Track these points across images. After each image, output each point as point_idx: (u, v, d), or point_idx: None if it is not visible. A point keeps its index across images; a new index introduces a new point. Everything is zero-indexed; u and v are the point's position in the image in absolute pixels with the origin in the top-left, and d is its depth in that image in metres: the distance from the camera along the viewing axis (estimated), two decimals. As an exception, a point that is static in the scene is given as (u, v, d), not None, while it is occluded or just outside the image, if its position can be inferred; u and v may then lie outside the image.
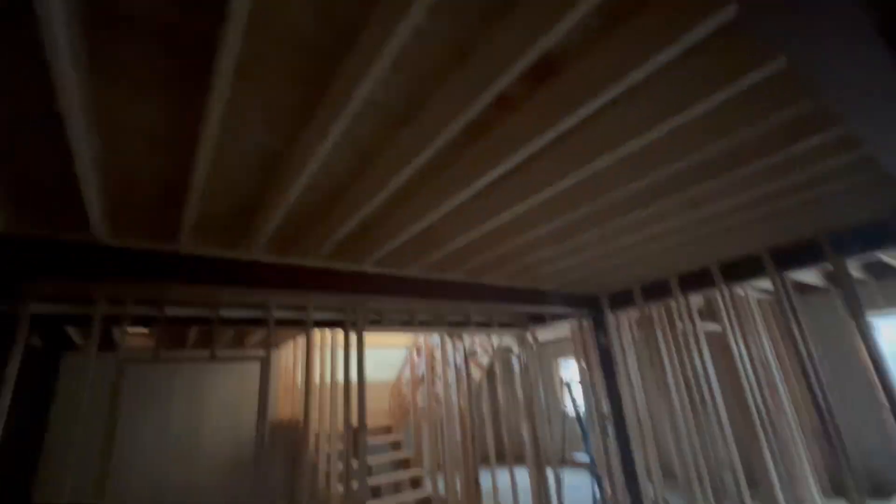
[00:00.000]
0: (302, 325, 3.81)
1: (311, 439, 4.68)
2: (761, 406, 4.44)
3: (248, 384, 5.97)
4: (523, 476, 5.46)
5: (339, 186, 2.16)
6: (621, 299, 4.37)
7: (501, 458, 7.41)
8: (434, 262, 3.33)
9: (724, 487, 3.36)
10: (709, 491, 3.62)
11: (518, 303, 3.92)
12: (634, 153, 2.00)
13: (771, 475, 4.10)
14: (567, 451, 4.97)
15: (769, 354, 4.18)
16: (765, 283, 4.82)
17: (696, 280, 3.78)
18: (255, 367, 6.05)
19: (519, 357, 5.25)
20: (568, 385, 5.18)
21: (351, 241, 2.80)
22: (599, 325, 4.52)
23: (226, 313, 3.48)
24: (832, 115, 1.74)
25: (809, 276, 4.88)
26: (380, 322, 4.23)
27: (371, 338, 6.08)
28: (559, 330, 6.62)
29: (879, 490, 4.81)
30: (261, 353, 6.04)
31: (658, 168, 2.03)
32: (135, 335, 5.33)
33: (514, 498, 5.21)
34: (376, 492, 4.48)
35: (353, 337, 3.98)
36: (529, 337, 5.36)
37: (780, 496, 4.07)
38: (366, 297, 3.26)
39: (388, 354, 7.20)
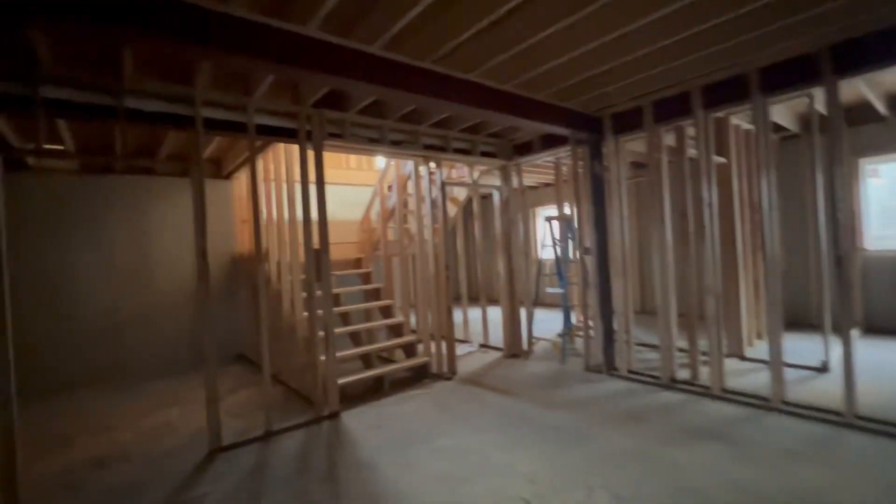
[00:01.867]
0: (243, 131, 3.06)
1: (273, 268, 4.34)
2: (747, 240, 4.29)
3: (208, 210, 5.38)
4: (495, 314, 5.52)
5: None
6: (627, 121, 3.74)
7: (474, 299, 7.62)
8: (441, 55, 2.55)
9: (704, 313, 3.30)
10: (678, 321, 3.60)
11: (514, 113, 3.24)
12: None
13: (741, 303, 4.14)
14: (540, 291, 4.91)
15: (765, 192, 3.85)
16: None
17: (724, 91, 3.14)
18: (212, 192, 5.40)
19: (500, 191, 4.78)
20: (549, 220, 4.86)
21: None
22: (596, 153, 3.97)
23: (133, 103, 2.66)
24: None
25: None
26: (341, 136, 3.51)
27: (336, 174, 5.38)
28: (538, 174, 6.11)
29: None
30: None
31: None
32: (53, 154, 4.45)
33: (484, 328, 5.31)
34: (345, 318, 4.36)
35: (311, 154, 3.31)
36: (513, 170, 4.82)
37: (744, 324, 4.17)
38: (358, 82, 2.50)
39: (354, 192, 6.64)
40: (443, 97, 2.84)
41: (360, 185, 6.77)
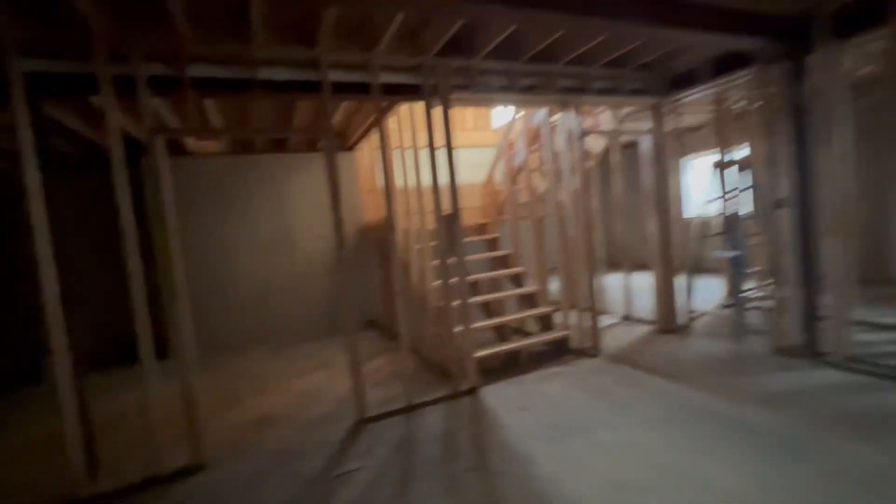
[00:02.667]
0: (366, 92, 2.86)
1: (401, 237, 4.25)
2: None
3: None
4: (638, 281, 4.81)
5: None
6: (856, 16, 2.68)
7: (613, 264, 6.78)
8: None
9: None
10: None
11: (686, 26, 2.50)
12: None
13: None
14: (702, 254, 4.06)
15: None
16: None
17: None
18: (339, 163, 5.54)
19: (651, 135, 3.98)
20: (720, 166, 3.92)
21: None
22: (799, 72, 2.97)
23: (265, 74, 2.60)
24: None
25: None
26: (467, 87, 3.12)
27: (454, 136, 5.00)
28: (693, 114, 5.00)
29: None
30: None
31: None
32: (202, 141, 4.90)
33: (626, 298, 4.66)
34: (474, 288, 4.13)
35: (436, 111, 3.00)
36: (667, 109, 3.96)
37: None
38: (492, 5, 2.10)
39: (473, 155, 6.29)
40: (596, 12, 2.25)
41: (479, 147, 6.39)
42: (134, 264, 2.27)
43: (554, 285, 4.63)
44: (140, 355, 2.29)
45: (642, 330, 4.21)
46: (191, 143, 4.78)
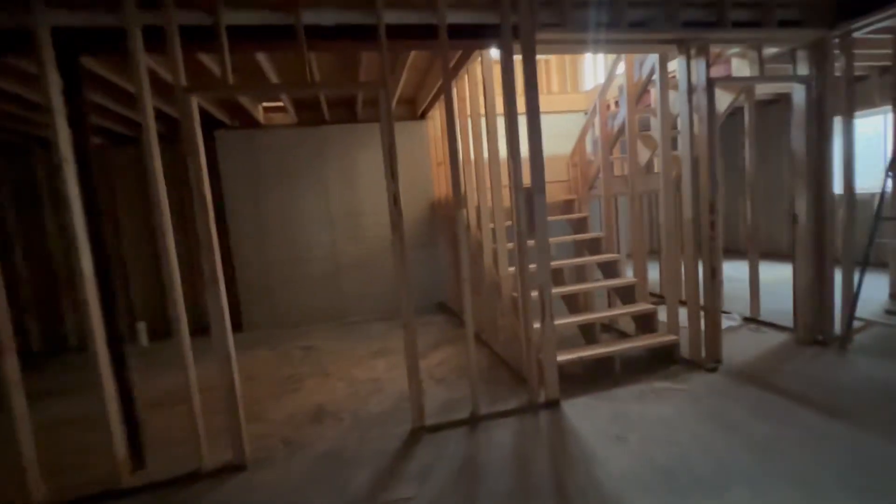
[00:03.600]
0: (432, 37, 2.33)
1: (472, 215, 3.74)
2: None
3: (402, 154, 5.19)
4: (771, 273, 3.82)
5: None
6: None
7: (732, 252, 5.61)
8: None
9: None
10: None
11: None
12: None
13: None
14: (870, 244, 3.01)
15: None
16: None
17: None
18: (405, 134, 5.15)
19: (807, 84, 2.97)
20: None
21: None
22: None
23: (310, 18, 2.17)
24: None
25: None
26: (559, 25, 2.46)
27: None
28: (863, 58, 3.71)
29: None
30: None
31: None
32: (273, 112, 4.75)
33: (753, 295, 3.73)
34: (557, 276, 3.51)
35: (517, 56, 2.39)
36: (837, 47, 2.92)
37: None
38: None
39: (559, 121, 5.51)
40: None
41: (565, 112, 5.59)
42: (167, 239, 2.02)
43: (653, 275, 3.89)
44: (178, 336, 2.06)
45: (776, 338, 3.31)
46: (260, 113, 4.64)
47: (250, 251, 4.90)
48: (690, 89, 2.78)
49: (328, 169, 5.03)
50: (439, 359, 3.50)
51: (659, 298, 4.42)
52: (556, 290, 3.30)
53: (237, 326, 4.79)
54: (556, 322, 2.99)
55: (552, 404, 2.55)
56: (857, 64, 3.34)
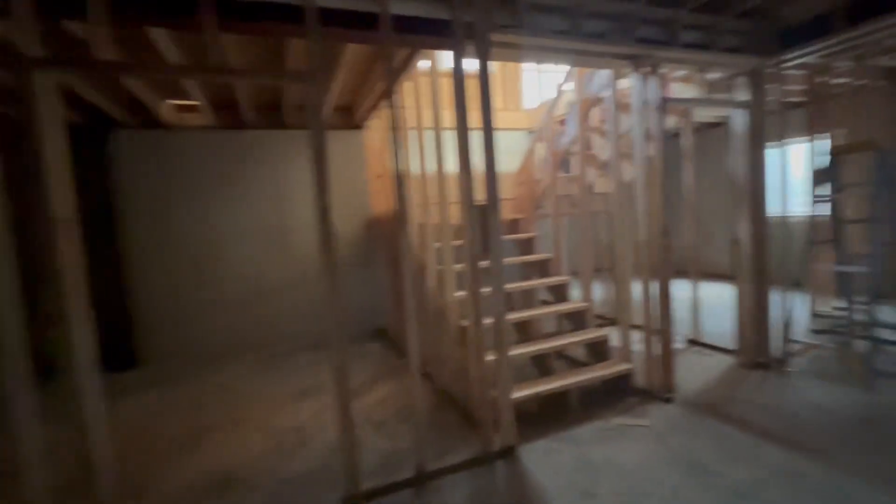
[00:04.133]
0: (372, 27, 1.99)
1: (415, 233, 3.40)
2: None
3: (337, 165, 4.74)
4: (710, 292, 3.85)
5: None
6: None
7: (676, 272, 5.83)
8: None
9: None
10: None
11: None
12: None
13: None
14: (803, 266, 3.11)
15: None
16: None
17: None
18: (340, 144, 4.73)
19: (747, 110, 3.02)
20: (838, 150, 2.97)
21: None
22: None
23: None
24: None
25: None
26: (515, 28, 2.24)
27: (479, 116, 4.15)
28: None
29: None
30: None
31: None
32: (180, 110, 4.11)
33: (694, 317, 3.74)
34: (508, 303, 3.26)
35: (472, 61, 2.13)
36: (770, 76, 3.01)
37: None
38: None
39: (501, 139, 5.40)
40: None
41: (507, 130, 5.50)
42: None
43: (595, 294, 3.81)
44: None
45: (721, 362, 3.29)
46: (166, 111, 3.99)
47: (152, 271, 4.14)
48: (645, 108, 2.68)
49: (251, 179, 4.45)
50: (378, 397, 3.07)
51: (606, 321, 4.35)
52: (508, 318, 3.03)
53: (129, 363, 4.00)
54: (512, 352, 2.71)
55: (508, 452, 2.23)
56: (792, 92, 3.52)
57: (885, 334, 3.13)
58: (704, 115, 5.39)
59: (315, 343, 4.52)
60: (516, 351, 2.79)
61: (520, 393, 2.52)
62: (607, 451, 2.18)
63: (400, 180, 2.13)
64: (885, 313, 2.74)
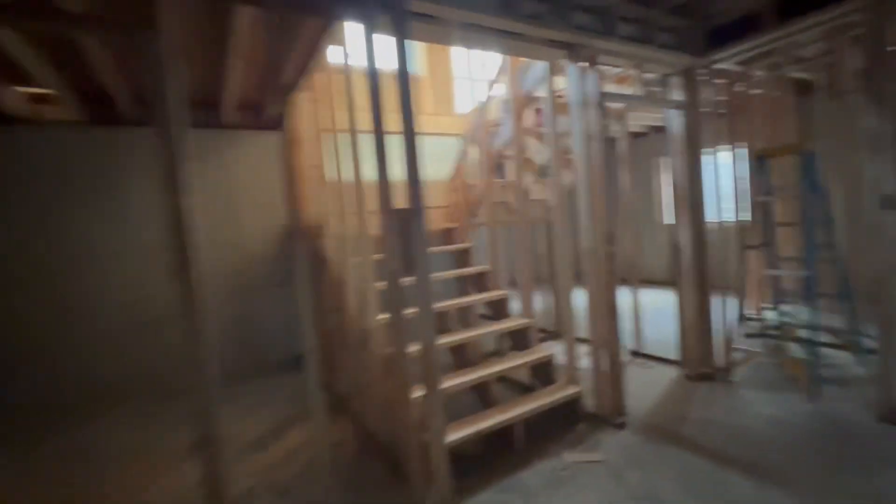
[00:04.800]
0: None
1: (332, 246, 2.91)
2: None
3: (247, 170, 4.12)
4: (649, 300, 3.73)
5: None
6: None
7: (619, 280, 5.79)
8: None
9: None
10: None
11: None
12: None
13: None
14: (742, 272, 3.06)
15: None
16: None
17: None
18: (249, 146, 4.12)
19: (683, 112, 2.92)
20: (765, 153, 2.94)
21: None
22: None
23: None
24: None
25: None
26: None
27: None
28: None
29: None
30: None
31: None
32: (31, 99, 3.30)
33: (636, 327, 3.58)
34: (442, 324, 2.87)
35: (389, 38, 1.75)
36: (704, 76, 2.93)
37: None
38: None
39: (434, 144, 5.09)
40: None
41: (439, 135, 5.19)
42: None
43: (537, 304, 3.56)
44: None
45: (665, 374, 3.12)
46: (13, 102, 3.17)
47: (-7, 303, 3.25)
48: (584, 103, 2.44)
49: (134, 185, 3.70)
50: (288, 447, 2.51)
51: (549, 334, 4.11)
52: (441, 342, 2.63)
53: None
54: (447, 384, 2.31)
55: (445, 512, 1.81)
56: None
57: (820, 337, 3.14)
58: (636, 123, 5.44)
59: (220, 378, 3.81)
60: (452, 382, 2.39)
61: (457, 434, 2.12)
62: (561, 500, 1.83)
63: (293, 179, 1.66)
64: (815, 316, 2.68)
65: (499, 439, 2.29)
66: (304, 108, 3.14)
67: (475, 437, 2.15)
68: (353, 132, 2.23)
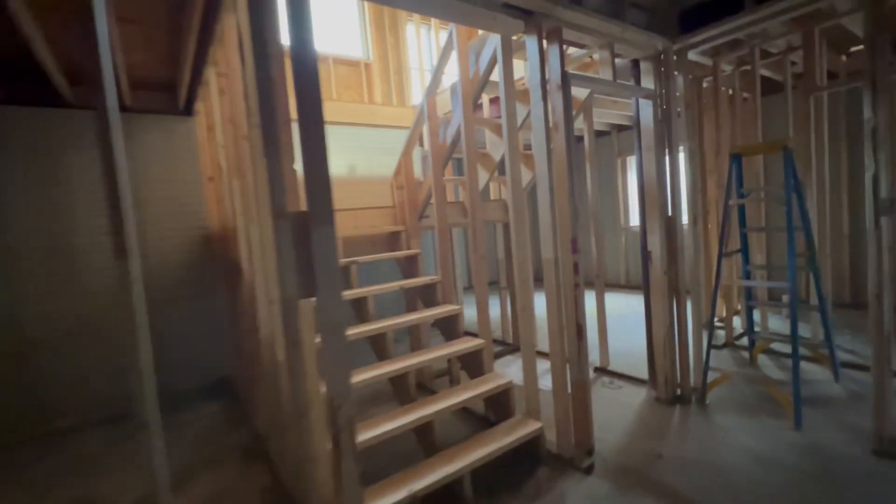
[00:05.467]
0: None
1: (244, 254, 2.37)
2: None
3: (159, 163, 3.48)
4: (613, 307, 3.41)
5: None
6: None
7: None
8: None
9: None
10: None
11: None
12: None
13: None
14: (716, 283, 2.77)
15: None
16: None
17: None
18: (162, 133, 3.48)
19: (656, 101, 2.58)
20: (742, 151, 2.65)
21: None
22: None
23: None
24: None
25: None
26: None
27: (354, 110, 3.39)
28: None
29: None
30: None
31: None
32: None
33: (602, 341, 3.25)
34: (380, 347, 2.40)
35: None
36: (678, 62, 2.61)
37: None
38: None
39: (382, 137, 4.62)
40: None
41: (390, 127, 4.71)
42: None
43: (494, 312, 3.16)
44: None
45: (635, 397, 2.79)
46: None
47: None
48: (544, 83, 2.04)
49: (5, 177, 3.00)
50: (207, 494, 1.97)
51: (507, 346, 3.72)
52: (376, 372, 2.16)
53: None
54: (380, 429, 1.85)
55: None
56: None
57: (790, 348, 2.90)
58: (599, 121, 5.16)
59: (113, 412, 3.18)
60: (385, 426, 1.92)
61: (390, 496, 1.66)
62: (516, 590, 1.41)
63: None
64: (793, 330, 2.42)
65: (443, 496, 1.84)
66: (213, 88, 2.58)
67: (410, 501, 1.70)
68: (249, 117, 1.72)
